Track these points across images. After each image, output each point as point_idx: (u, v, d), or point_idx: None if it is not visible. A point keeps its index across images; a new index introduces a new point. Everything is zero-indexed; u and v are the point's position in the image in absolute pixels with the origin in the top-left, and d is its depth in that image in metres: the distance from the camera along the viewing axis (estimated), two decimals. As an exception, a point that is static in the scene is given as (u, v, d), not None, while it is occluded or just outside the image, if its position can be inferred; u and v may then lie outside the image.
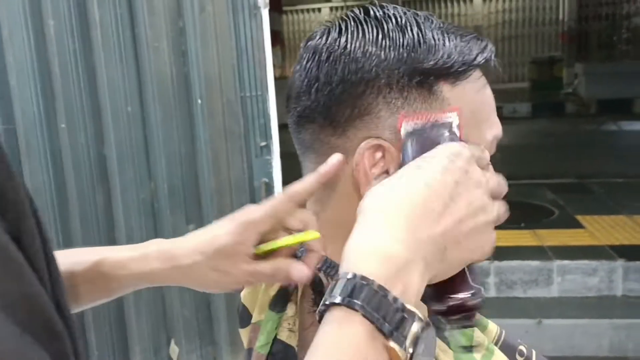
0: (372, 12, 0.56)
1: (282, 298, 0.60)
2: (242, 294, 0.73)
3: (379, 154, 0.54)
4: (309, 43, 0.58)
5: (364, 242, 0.45)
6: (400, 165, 0.52)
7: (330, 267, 0.61)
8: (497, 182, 0.50)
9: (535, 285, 3.26)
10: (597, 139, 7.28)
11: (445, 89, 0.54)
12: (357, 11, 0.57)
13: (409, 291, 0.42)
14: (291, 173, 0.64)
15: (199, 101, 1.99)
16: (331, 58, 0.55)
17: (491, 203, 0.48)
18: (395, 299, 0.40)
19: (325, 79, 0.55)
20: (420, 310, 0.41)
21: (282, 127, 1.02)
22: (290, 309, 0.59)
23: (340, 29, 0.56)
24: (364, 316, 0.39)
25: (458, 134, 0.52)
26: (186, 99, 2.00)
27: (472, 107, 0.55)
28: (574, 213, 4.09)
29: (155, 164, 2.01)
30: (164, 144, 1.99)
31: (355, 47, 0.54)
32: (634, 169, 5.09)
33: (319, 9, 15.66)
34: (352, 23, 0.56)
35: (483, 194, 0.47)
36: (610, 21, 12.23)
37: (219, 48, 1.97)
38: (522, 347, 0.63)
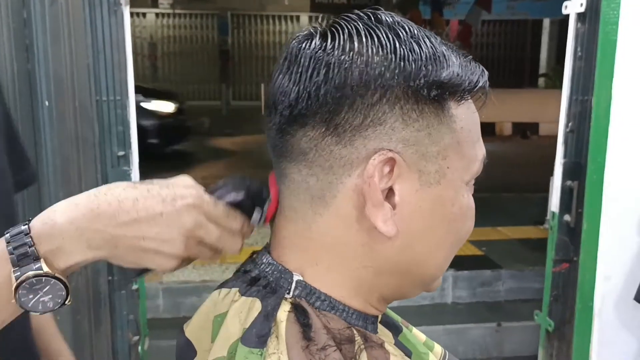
0: (383, 19, 0.52)
1: (258, 332, 0.52)
2: (187, 327, 0.63)
3: (387, 169, 0.50)
4: (302, 46, 0.52)
5: (58, 205, 0.56)
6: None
7: (310, 293, 0.55)
8: (216, 237, 0.58)
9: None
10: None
11: (452, 106, 0.52)
12: (362, 16, 0.52)
13: (58, 252, 0.54)
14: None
15: (46, 103, 1.76)
16: (343, 63, 0.50)
17: (182, 242, 0.56)
18: (32, 245, 0.53)
19: (334, 85, 0.49)
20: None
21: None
22: (272, 345, 0.51)
23: (350, 34, 0.51)
24: (7, 243, 0.54)
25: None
26: (29, 100, 1.76)
27: (470, 126, 0.54)
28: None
29: (-10, 173, 1.73)
30: (2, 150, 1.73)
31: (372, 52, 0.50)
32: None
33: (144, 14, 15.08)
34: (362, 28, 0.51)
35: (179, 234, 0.55)
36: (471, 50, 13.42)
37: (72, 45, 1.77)
38: None
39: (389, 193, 0.51)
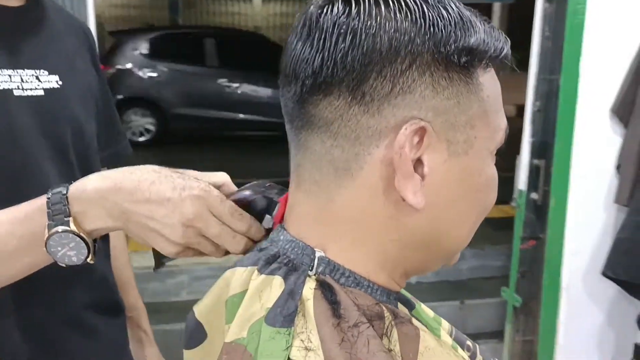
0: None
1: (284, 311, 0.50)
2: (197, 309, 0.60)
3: (416, 139, 0.48)
4: (323, 12, 0.49)
5: (93, 175, 0.65)
6: None
7: (334, 270, 0.52)
8: (216, 232, 0.61)
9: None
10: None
11: (480, 73, 0.51)
12: None
13: (85, 215, 0.63)
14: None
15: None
16: (370, 29, 0.47)
17: (181, 230, 0.60)
18: (65, 204, 0.62)
19: (361, 51, 0.47)
20: None
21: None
22: (299, 323, 0.49)
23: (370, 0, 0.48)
24: (48, 199, 0.63)
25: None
26: None
27: (495, 95, 0.53)
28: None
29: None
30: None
31: (400, 18, 0.47)
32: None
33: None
34: None
35: (179, 221, 0.59)
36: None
37: None
38: (468, 342, 0.63)
39: (417, 164, 0.50)
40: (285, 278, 0.52)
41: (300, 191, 0.55)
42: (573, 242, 1.98)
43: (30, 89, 0.84)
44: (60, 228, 0.62)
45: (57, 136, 0.87)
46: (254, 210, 0.62)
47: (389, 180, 0.50)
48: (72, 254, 0.64)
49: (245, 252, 0.62)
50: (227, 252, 0.64)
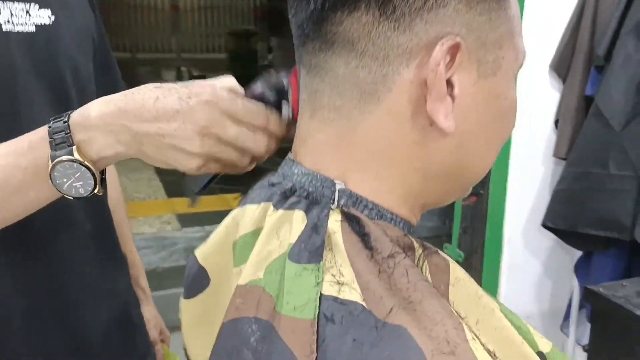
0: None
1: (308, 246, 0.46)
2: (199, 253, 0.56)
3: (448, 57, 0.45)
4: None
5: (96, 100, 0.60)
6: None
7: (357, 202, 0.49)
8: (235, 134, 0.57)
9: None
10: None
11: None
12: None
13: (90, 143, 0.59)
14: None
15: None
16: None
17: (198, 140, 0.56)
18: (68, 132, 0.59)
19: None
20: None
21: None
22: (328, 258, 0.46)
23: None
24: (49, 128, 0.60)
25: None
26: None
27: (518, 15, 0.51)
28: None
29: None
30: None
31: None
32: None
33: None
34: None
35: (194, 131, 0.55)
36: None
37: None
38: None
39: (453, 88, 0.47)
40: (306, 212, 0.48)
41: (316, 119, 0.51)
42: (514, 196, 2.04)
43: (21, 24, 0.76)
44: (64, 157, 0.58)
45: (53, 77, 0.79)
46: (269, 102, 0.58)
47: (418, 103, 0.47)
48: (79, 185, 0.60)
49: (270, 154, 0.60)
50: (253, 160, 0.60)
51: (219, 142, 0.57)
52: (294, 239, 0.47)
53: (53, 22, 0.80)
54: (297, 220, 0.48)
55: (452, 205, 2.30)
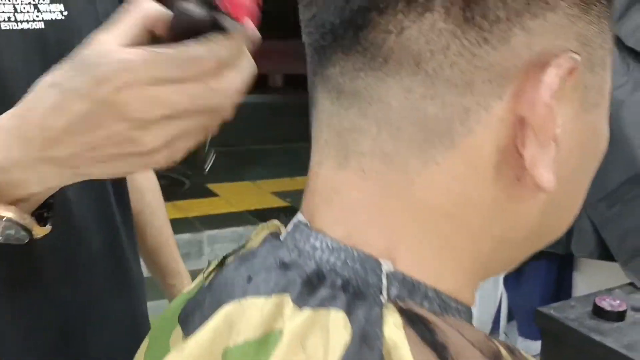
0: None
1: None
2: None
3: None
4: None
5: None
6: None
7: (413, 291, 0.34)
8: (188, 100, 0.40)
9: (187, 259, 3.14)
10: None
11: None
12: None
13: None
14: None
15: None
16: None
17: (143, 134, 0.40)
18: None
19: None
20: None
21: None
22: None
23: None
24: None
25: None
26: None
27: None
28: (204, 182, 4.09)
29: None
30: None
31: None
32: (252, 137, 5.29)
33: None
34: None
35: (128, 128, 0.40)
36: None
37: None
38: None
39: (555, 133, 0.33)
40: (348, 312, 0.32)
41: (350, 171, 0.35)
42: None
43: (27, 21, 0.67)
44: None
45: None
46: (203, 21, 0.40)
47: (507, 149, 0.32)
48: (11, 232, 0.49)
49: (246, 84, 0.43)
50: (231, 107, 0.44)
51: (168, 120, 0.41)
52: (335, 356, 0.31)
53: (66, 16, 0.70)
54: (337, 327, 0.32)
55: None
